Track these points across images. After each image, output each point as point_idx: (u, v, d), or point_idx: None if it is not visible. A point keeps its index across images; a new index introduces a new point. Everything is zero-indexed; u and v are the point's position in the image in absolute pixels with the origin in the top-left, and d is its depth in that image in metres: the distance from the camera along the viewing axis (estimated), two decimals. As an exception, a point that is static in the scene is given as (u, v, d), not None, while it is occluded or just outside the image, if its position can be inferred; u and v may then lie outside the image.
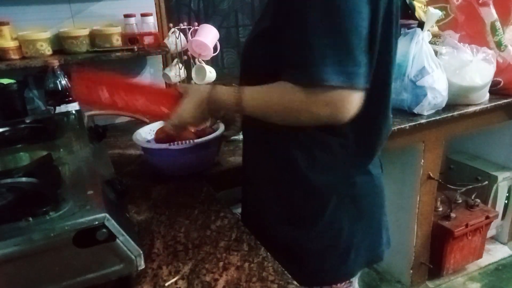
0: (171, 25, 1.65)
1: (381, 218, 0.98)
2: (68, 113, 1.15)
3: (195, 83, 1.69)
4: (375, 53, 0.76)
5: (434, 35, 1.82)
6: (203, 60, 1.69)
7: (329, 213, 0.88)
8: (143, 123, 1.63)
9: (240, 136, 1.39)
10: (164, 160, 1.13)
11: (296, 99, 0.73)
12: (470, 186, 2.03)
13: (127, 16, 1.59)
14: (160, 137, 1.13)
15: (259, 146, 0.93)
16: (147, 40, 1.61)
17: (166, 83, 1.80)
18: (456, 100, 1.67)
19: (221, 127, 1.13)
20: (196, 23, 1.65)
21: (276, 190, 0.92)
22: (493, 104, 1.73)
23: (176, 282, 0.74)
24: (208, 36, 1.60)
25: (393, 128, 1.30)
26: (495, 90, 1.79)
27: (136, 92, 0.92)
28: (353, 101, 0.71)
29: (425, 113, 1.60)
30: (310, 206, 0.89)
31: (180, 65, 1.68)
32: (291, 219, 0.91)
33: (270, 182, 0.93)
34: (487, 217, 2.00)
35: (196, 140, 1.07)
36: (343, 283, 0.96)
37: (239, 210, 1.06)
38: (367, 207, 0.93)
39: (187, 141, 1.07)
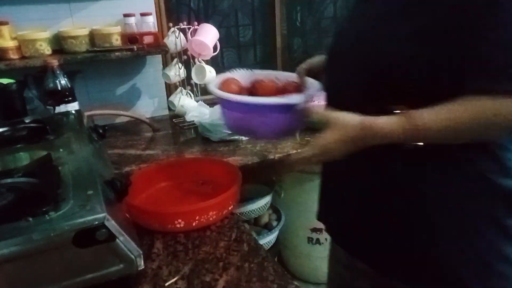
0: (170, 24, 1.65)
1: None
2: (67, 113, 1.15)
3: (195, 83, 1.69)
4: None
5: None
6: (203, 60, 1.69)
7: None
8: (143, 123, 1.64)
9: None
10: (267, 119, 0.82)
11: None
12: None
13: (126, 15, 1.59)
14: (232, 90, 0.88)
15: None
16: (147, 39, 1.61)
17: (165, 83, 1.80)
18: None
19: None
20: (196, 23, 1.65)
21: None
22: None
23: (176, 282, 0.74)
24: (208, 35, 1.60)
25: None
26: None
27: None
28: None
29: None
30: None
31: (180, 64, 1.68)
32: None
33: None
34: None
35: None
36: None
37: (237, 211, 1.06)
38: None
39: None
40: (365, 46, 0.68)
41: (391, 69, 0.63)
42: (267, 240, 1.58)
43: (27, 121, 1.04)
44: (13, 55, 1.43)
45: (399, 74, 0.63)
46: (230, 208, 0.95)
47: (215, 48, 1.65)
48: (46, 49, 1.48)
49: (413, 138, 0.62)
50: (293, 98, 0.80)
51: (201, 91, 1.74)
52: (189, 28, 1.63)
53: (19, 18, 1.47)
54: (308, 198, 1.66)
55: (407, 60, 0.62)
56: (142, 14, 1.62)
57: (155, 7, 1.71)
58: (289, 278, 0.74)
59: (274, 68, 2.22)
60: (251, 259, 0.80)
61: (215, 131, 1.41)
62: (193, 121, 1.55)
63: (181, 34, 1.62)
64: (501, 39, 0.55)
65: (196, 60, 1.68)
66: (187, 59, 1.69)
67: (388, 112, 0.63)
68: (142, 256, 0.65)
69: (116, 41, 1.58)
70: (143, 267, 0.66)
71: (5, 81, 1.25)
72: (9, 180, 0.69)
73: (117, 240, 0.61)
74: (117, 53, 1.53)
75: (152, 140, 1.54)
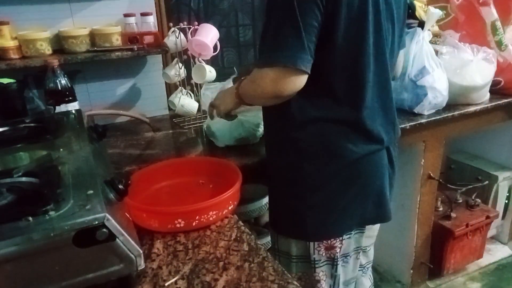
0: (171, 24, 1.65)
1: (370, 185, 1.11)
2: (68, 113, 1.15)
3: (195, 82, 1.69)
4: (337, 44, 0.94)
5: (435, 35, 1.81)
6: (203, 60, 1.69)
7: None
8: (143, 123, 1.64)
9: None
10: None
11: (259, 80, 0.96)
12: (471, 186, 2.03)
13: (127, 15, 1.59)
14: None
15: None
16: (147, 39, 1.61)
17: (166, 82, 1.80)
18: (457, 99, 1.67)
19: None
20: (196, 23, 1.65)
21: None
22: (493, 103, 1.73)
23: (176, 282, 0.74)
24: (208, 35, 1.60)
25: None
26: (496, 89, 1.79)
27: None
28: (294, 82, 0.92)
29: (426, 113, 1.59)
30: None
31: (180, 64, 1.68)
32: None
33: None
34: (487, 217, 1.99)
35: None
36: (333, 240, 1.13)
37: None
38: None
39: None
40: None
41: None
42: (267, 240, 1.58)
43: (27, 120, 1.04)
44: (14, 55, 1.43)
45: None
46: (230, 208, 0.95)
47: (215, 48, 1.65)
48: (47, 49, 1.48)
49: (239, 96, 1.07)
50: None
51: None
52: (189, 28, 1.63)
53: (19, 18, 1.46)
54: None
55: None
56: (142, 14, 1.62)
57: (156, 7, 1.71)
58: (289, 278, 0.74)
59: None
60: (251, 259, 0.80)
61: (222, 138, 1.38)
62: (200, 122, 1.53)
63: (181, 34, 1.61)
64: (262, 34, 0.95)
65: (196, 60, 1.68)
66: (187, 59, 1.69)
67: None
68: (142, 256, 0.66)
69: (117, 41, 1.58)
70: (143, 267, 0.66)
71: (5, 80, 1.25)
72: (9, 180, 0.69)
73: (117, 240, 0.61)
74: (117, 53, 1.52)
75: (152, 140, 1.53)
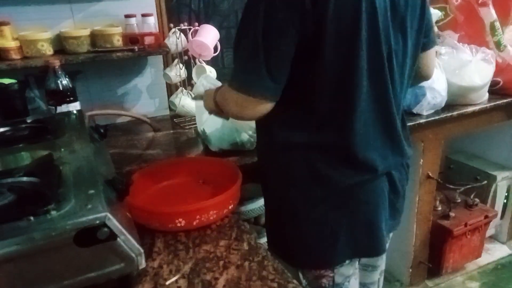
0: (171, 25, 1.65)
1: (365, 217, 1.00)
2: (69, 113, 1.16)
3: (195, 82, 1.70)
4: (322, 63, 0.84)
5: (434, 35, 1.81)
6: (203, 60, 1.69)
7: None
8: (144, 123, 1.64)
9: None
10: None
11: (227, 97, 0.94)
12: (469, 186, 2.03)
13: (127, 16, 1.60)
14: None
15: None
16: (148, 40, 1.61)
17: (166, 83, 1.80)
18: (456, 100, 1.67)
19: None
20: (197, 23, 1.66)
21: None
22: (492, 104, 1.73)
23: (176, 281, 0.74)
24: (209, 36, 1.61)
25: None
26: (495, 90, 1.79)
27: None
28: (252, 108, 0.88)
29: (424, 113, 1.60)
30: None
31: (181, 65, 1.68)
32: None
33: None
34: (486, 217, 2.00)
35: None
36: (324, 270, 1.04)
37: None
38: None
39: None
40: None
41: None
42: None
43: (28, 121, 1.05)
44: (15, 55, 1.43)
45: None
46: (230, 208, 0.96)
47: (215, 48, 1.65)
48: (48, 50, 1.49)
49: (216, 103, 1.01)
50: None
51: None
52: (189, 29, 1.64)
53: (20, 18, 1.47)
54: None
55: None
56: (143, 15, 1.62)
57: (156, 8, 1.72)
58: (289, 277, 0.74)
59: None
60: (251, 258, 0.80)
61: (215, 143, 1.35)
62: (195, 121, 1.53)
63: (182, 35, 1.62)
64: (233, 45, 0.89)
65: (196, 60, 1.69)
66: (187, 60, 1.70)
67: None
68: (143, 255, 0.66)
69: (117, 41, 1.59)
70: (144, 266, 0.67)
71: (6, 81, 1.25)
72: (10, 180, 0.70)
73: (118, 239, 0.62)
74: (118, 54, 1.53)
75: (153, 140, 1.54)
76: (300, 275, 1.07)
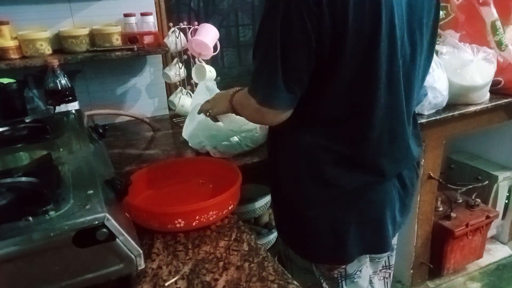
0: (171, 24, 1.65)
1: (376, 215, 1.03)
2: (68, 113, 1.15)
3: (195, 82, 1.69)
4: (340, 76, 0.87)
5: (435, 35, 1.81)
6: (203, 60, 1.69)
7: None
8: (143, 123, 1.64)
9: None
10: None
11: (246, 103, 0.95)
12: (471, 186, 2.03)
13: (127, 15, 1.59)
14: None
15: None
16: (147, 39, 1.61)
17: (166, 82, 1.80)
18: (457, 99, 1.67)
19: None
20: (196, 23, 1.65)
21: None
22: (493, 103, 1.73)
23: (176, 282, 0.74)
24: (208, 35, 1.60)
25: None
26: (496, 89, 1.79)
27: None
28: (272, 117, 0.91)
29: (426, 113, 1.60)
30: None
31: (180, 64, 1.68)
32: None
33: None
34: (487, 217, 1.99)
35: None
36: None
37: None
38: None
39: None
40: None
41: None
42: (267, 240, 1.57)
43: (27, 120, 1.04)
44: (14, 55, 1.43)
45: None
46: (230, 208, 0.95)
47: (215, 48, 1.65)
48: (47, 49, 1.48)
49: (232, 105, 1.04)
50: None
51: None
52: (189, 28, 1.63)
53: (19, 17, 1.46)
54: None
55: None
56: (142, 14, 1.62)
57: (155, 7, 1.71)
58: (289, 278, 0.74)
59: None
60: (251, 258, 0.80)
61: (190, 142, 1.35)
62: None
63: (181, 34, 1.62)
64: (253, 52, 0.90)
65: (196, 59, 1.68)
66: (187, 59, 1.69)
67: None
68: (142, 255, 0.65)
69: (117, 40, 1.58)
70: (143, 266, 0.66)
71: (5, 80, 1.25)
72: (9, 180, 0.69)
73: (117, 239, 0.61)
74: (117, 53, 1.52)
75: (152, 140, 1.53)
76: (313, 267, 1.09)
